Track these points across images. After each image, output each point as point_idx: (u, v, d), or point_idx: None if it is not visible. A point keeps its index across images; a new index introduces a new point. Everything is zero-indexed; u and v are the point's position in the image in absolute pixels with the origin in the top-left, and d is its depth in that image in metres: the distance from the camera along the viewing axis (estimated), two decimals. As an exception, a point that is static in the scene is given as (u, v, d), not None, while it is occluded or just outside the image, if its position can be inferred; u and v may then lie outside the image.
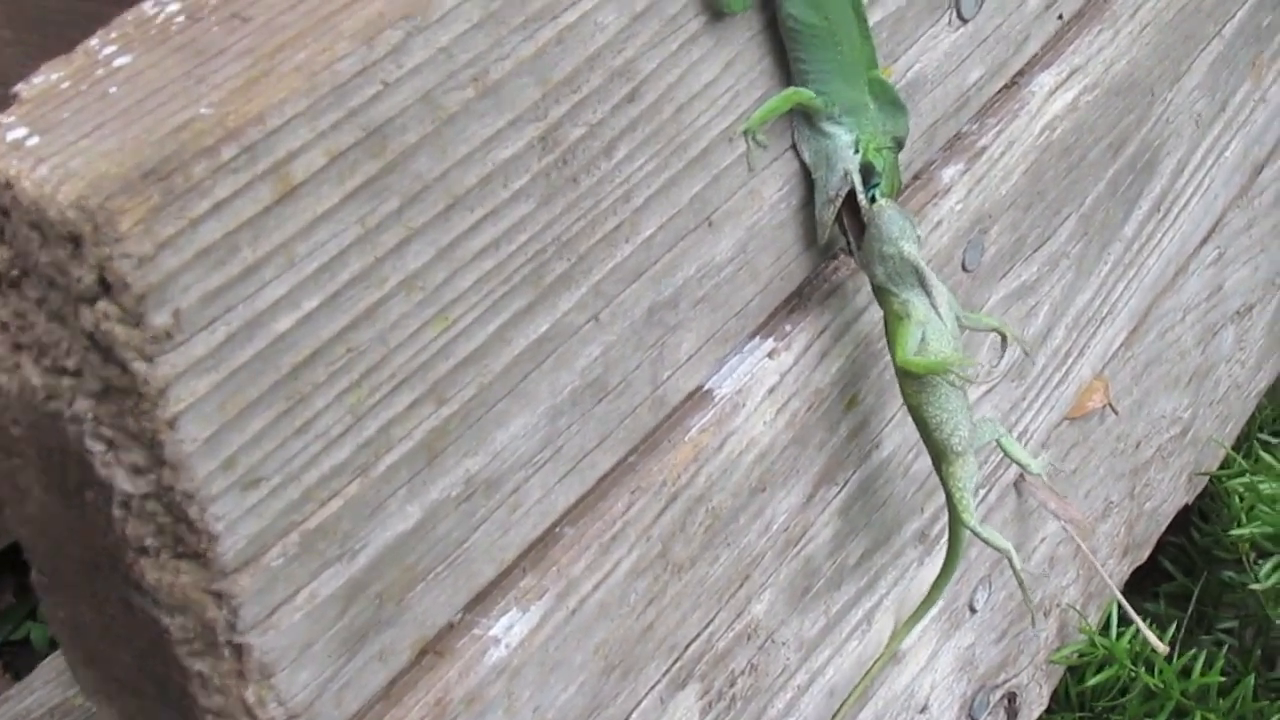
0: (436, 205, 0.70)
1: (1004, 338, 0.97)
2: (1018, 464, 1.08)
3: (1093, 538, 1.38)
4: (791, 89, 0.88)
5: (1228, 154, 1.42)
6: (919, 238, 0.93)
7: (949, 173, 1.05)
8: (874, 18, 0.92)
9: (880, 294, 0.94)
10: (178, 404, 0.61)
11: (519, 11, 0.71)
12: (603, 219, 0.79)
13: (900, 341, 0.93)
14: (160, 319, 0.60)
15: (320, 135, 0.64)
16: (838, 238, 0.94)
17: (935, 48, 0.99)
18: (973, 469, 0.99)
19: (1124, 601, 1.25)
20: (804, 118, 0.91)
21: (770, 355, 0.93)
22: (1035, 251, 1.16)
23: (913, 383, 0.95)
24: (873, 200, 0.92)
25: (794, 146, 0.91)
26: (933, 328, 0.93)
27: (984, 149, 1.07)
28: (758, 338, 0.94)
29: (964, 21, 1.01)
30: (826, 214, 0.93)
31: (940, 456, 0.99)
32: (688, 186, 0.84)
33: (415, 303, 0.70)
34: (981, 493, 1.20)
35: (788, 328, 0.95)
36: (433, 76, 0.68)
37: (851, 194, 0.92)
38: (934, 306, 0.93)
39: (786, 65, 0.88)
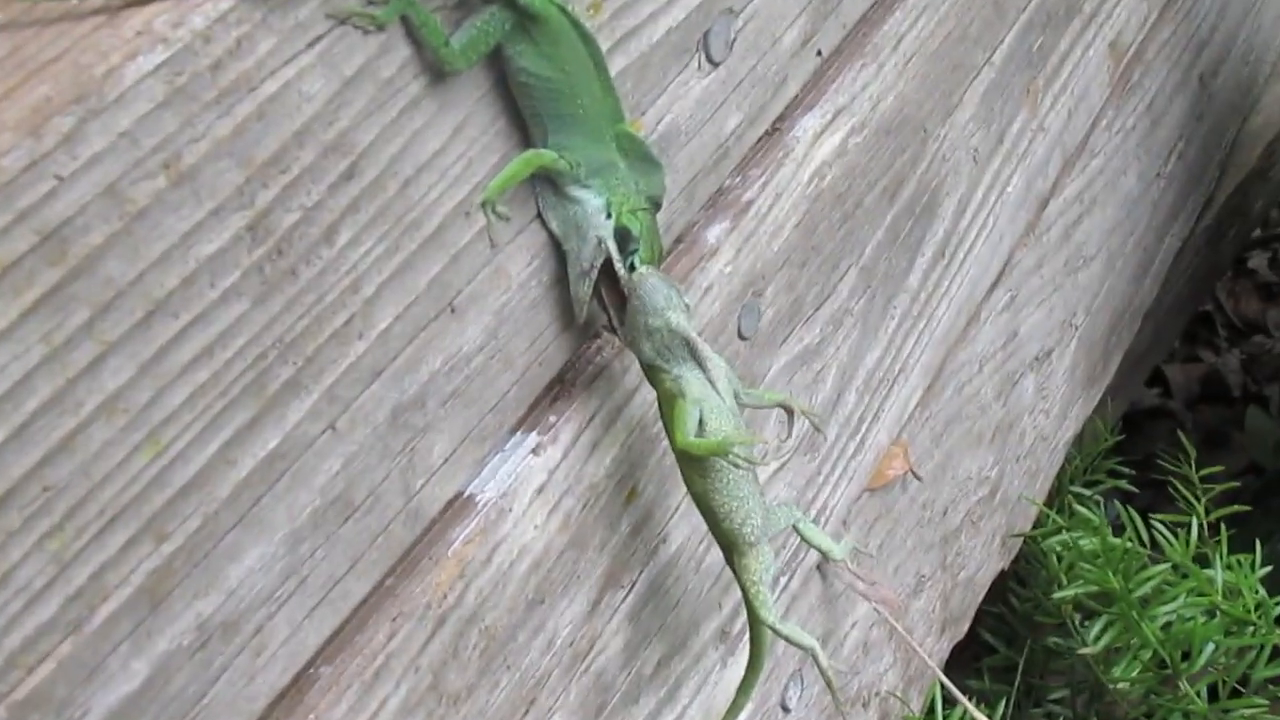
0: (133, 313, 0.66)
1: (790, 411, 0.96)
2: (819, 550, 1.08)
3: (907, 617, 1.38)
4: (531, 151, 0.86)
5: (1010, 189, 1.44)
6: (687, 306, 0.91)
7: (714, 232, 1.04)
8: (616, 66, 0.91)
9: (651, 372, 0.92)
10: None
11: (210, 86, 0.68)
12: (330, 314, 0.76)
13: (677, 423, 0.91)
14: None
15: (-13, 243, 0.60)
16: (597, 314, 0.93)
17: (686, 95, 0.98)
18: (768, 559, 0.98)
19: (946, 681, 1.25)
20: (548, 183, 0.88)
21: (535, 451, 0.91)
22: (816, 311, 1.16)
23: (695, 468, 0.93)
24: (632, 269, 0.90)
25: (540, 216, 0.89)
26: (710, 405, 0.91)
27: (750, 203, 1.06)
28: (519, 433, 0.91)
29: (714, 65, 1.00)
30: (582, 288, 0.90)
31: (732, 548, 0.97)
32: (424, 270, 0.81)
33: (119, 428, 0.66)
34: (783, 579, 1.19)
35: (552, 419, 0.93)
36: (115, 166, 0.64)
37: (608, 264, 0.89)
38: (710, 382, 0.91)
39: (523, 125, 0.86)
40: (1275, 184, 2.20)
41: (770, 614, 0.98)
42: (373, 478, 0.80)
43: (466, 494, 0.88)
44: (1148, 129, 1.75)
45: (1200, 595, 1.42)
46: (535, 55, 0.83)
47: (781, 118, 1.10)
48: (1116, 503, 1.66)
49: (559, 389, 0.94)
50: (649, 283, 0.89)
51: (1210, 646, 1.39)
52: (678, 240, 1.03)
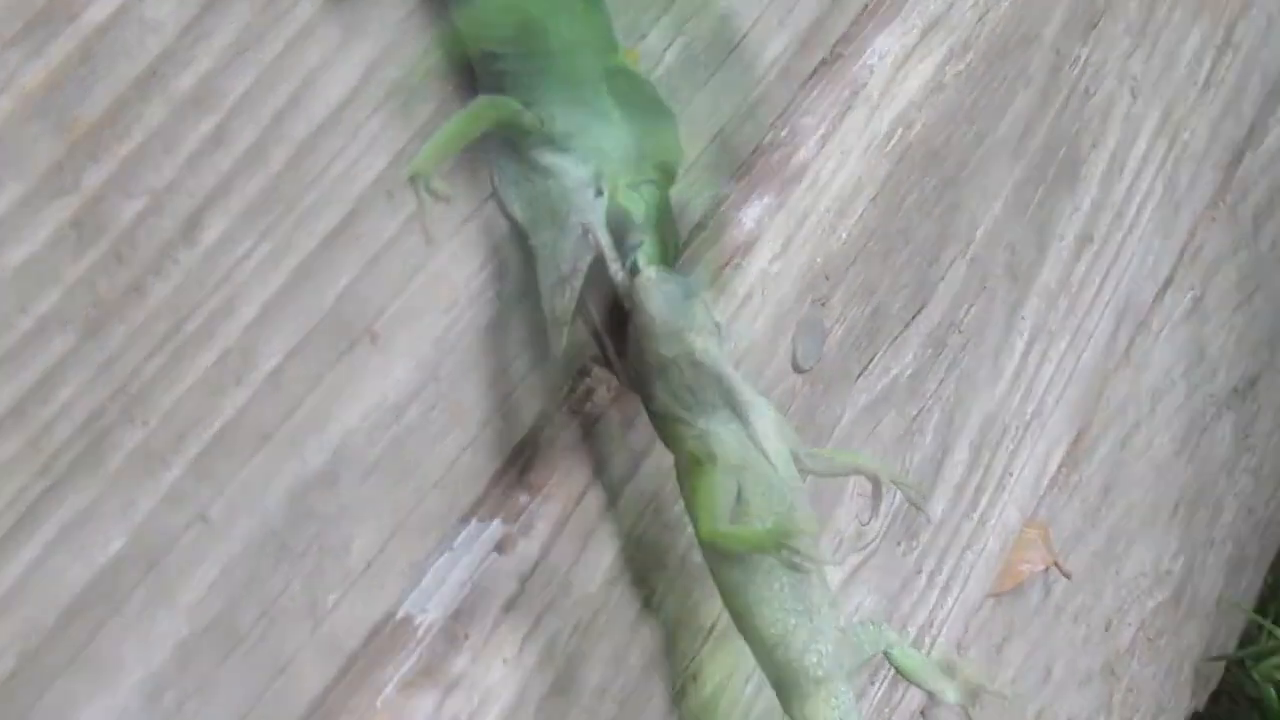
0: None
1: (875, 481, 0.96)
2: (923, 689, 1.06)
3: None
4: (483, 98, 0.84)
5: (1188, 135, 1.44)
6: (719, 326, 0.90)
7: (753, 212, 1.04)
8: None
9: (665, 426, 0.91)
10: None
11: (12, 15, 0.69)
12: (193, 349, 0.77)
13: (703, 503, 0.89)
14: None
15: None
16: (585, 342, 0.93)
17: (708, 4, 0.99)
18: (846, 704, 0.95)
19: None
20: (507, 148, 0.87)
21: (499, 548, 0.91)
22: (907, 328, 1.17)
23: (732, 570, 0.91)
24: (634, 271, 0.88)
25: (495, 195, 0.89)
26: (754, 475, 0.90)
27: (804, 166, 1.07)
28: (475, 520, 0.92)
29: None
30: (561, 302, 0.87)
31: (791, 688, 0.94)
32: (328, 279, 0.82)
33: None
34: (868, 735, 1.20)
35: (523, 499, 0.93)
36: None
37: (599, 264, 0.87)
38: (752, 438, 0.90)
39: (468, 63, 0.86)
40: None
41: None
42: (264, 592, 0.81)
43: (401, 615, 0.89)
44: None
45: None
46: None
47: (847, 37, 1.11)
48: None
49: (532, 454, 0.94)
50: (662, 291, 0.87)
51: None
52: (699, 225, 1.04)
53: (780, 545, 0.88)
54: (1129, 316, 1.41)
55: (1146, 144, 1.39)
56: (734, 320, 1.02)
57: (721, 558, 0.91)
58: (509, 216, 0.89)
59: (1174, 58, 1.41)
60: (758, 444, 0.90)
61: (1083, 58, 1.30)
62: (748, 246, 1.04)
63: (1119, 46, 1.34)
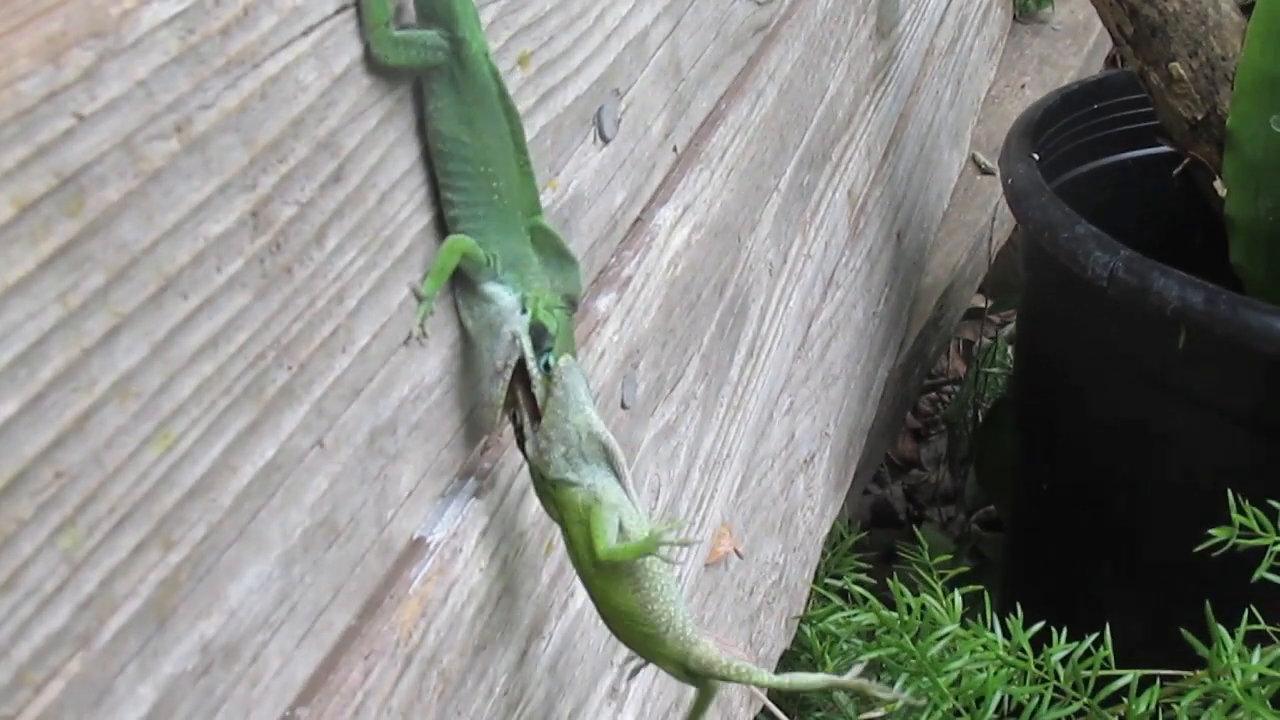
0: (147, 286, 0.48)
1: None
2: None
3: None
4: (453, 238, 0.67)
5: (791, 304, 1.32)
6: (595, 398, 0.73)
7: (604, 302, 0.89)
8: (538, 123, 0.76)
9: (555, 489, 0.71)
10: None
11: (219, 51, 0.51)
12: (319, 322, 0.58)
13: (596, 533, 0.71)
14: None
15: (4, 175, 0.42)
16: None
17: (587, 165, 0.84)
18: (712, 643, 0.76)
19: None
20: (464, 280, 0.70)
21: (477, 495, 0.74)
22: (672, 390, 1.02)
23: (623, 583, 0.72)
24: (546, 368, 0.70)
25: (456, 311, 0.71)
26: (627, 511, 0.71)
27: (629, 279, 0.92)
28: (464, 476, 0.74)
29: (605, 141, 0.86)
30: (496, 390, 0.70)
31: (681, 655, 0.75)
32: (395, 290, 0.64)
33: (131, 414, 0.48)
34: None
35: (486, 466, 0.76)
36: (132, 117, 0.47)
37: (520, 366, 0.70)
38: (624, 487, 0.72)
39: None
40: (944, 334, 2.15)
41: (777, 679, 0.77)
42: (353, 502, 0.62)
43: (419, 535, 0.70)
44: (869, 271, 1.67)
45: (983, 651, 1.31)
46: (455, 118, 0.65)
47: (649, 204, 0.96)
48: (892, 581, 1.54)
49: (488, 443, 0.77)
50: (574, 374, 0.70)
51: (998, 696, 1.27)
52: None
53: (658, 543, 0.71)
54: (766, 406, 1.28)
55: (775, 303, 1.27)
56: (595, 368, 0.87)
57: (612, 581, 0.72)
58: (462, 326, 0.72)
59: (787, 255, 1.29)
60: (628, 490, 0.72)
61: (750, 245, 1.18)
62: (602, 322, 0.88)
63: (765, 243, 1.21)
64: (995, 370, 2.32)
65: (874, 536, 2.56)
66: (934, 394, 2.69)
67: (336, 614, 0.62)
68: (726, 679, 0.76)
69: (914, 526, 2.53)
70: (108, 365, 0.47)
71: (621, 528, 0.71)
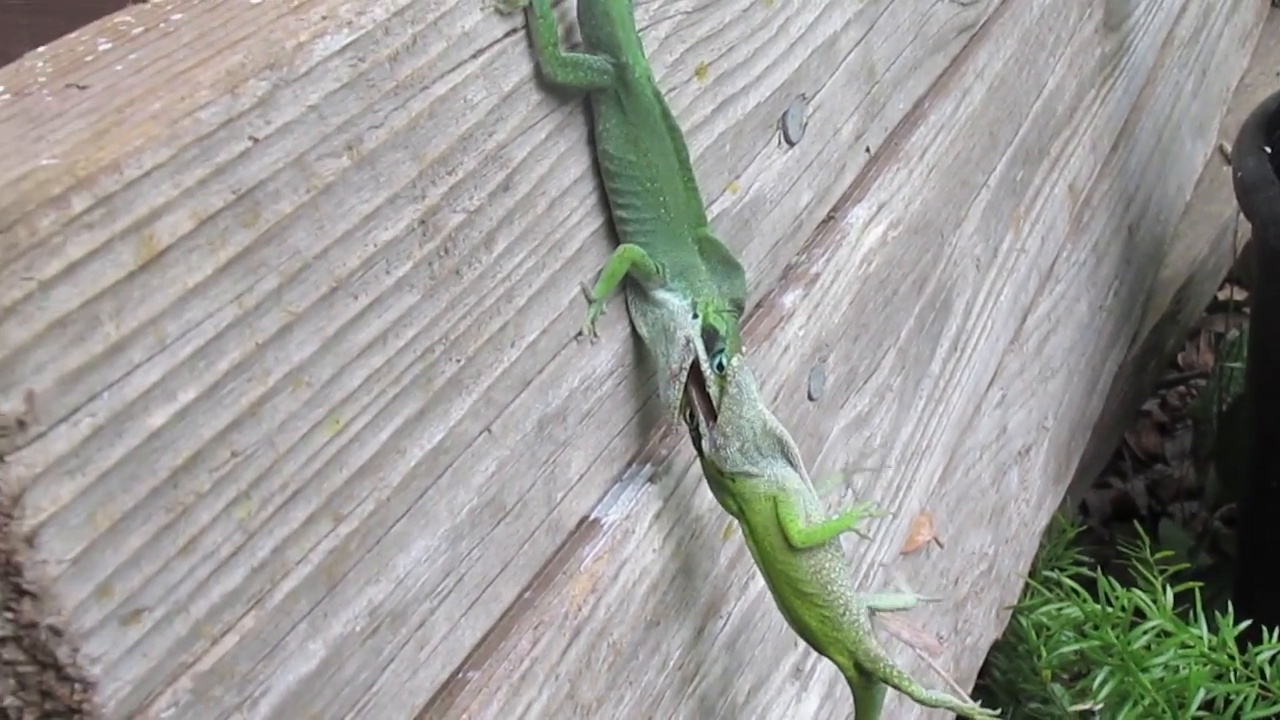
0: (319, 288, 0.54)
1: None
2: (895, 609, 0.88)
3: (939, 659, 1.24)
4: (624, 247, 0.71)
5: (1002, 298, 1.33)
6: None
7: (789, 298, 0.92)
8: (716, 129, 0.80)
9: (735, 483, 0.74)
10: (38, 514, 0.43)
11: (389, 76, 0.56)
12: (488, 318, 0.63)
13: (788, 519, 0.73)
14: (9, 404, 0.42)
15: (185, 193, 0.48)
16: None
17: (770, 168, 0.87)
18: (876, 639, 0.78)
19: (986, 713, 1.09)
20: (636, 287, 0.74)
21: (652, 480, 0.78)
22: (865, 383, 1.04)
23: (803, 565, 0.74)
24: (720, 368, 0.73)
25: (629, 317, 0.75)
26: (808, 496, 0.74)
27: (817, 276, 0.94)
28: (639, 460, 0.78)
29: (790, 144, 0.89)
30: (672, 392, 0.73)
31: (852, 641, 0.77)
32: (565, 289, 0.69)
33: (303, 401, 0.53)
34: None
35: (663, 453, 0.80)
36: (304, 139, 0.52)
37: (695, 369, 0.73)
38: (801, 476, 0.74)
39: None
40: (1183, 327, 2.10)
41: (924, 691, 0.79)
42: (521, 484, 0.67)
43: (596, 513, 0.75)
44: (1094, 265, 1.65)
45: (1187, 648, 1.29)
46: (622, 137, 0.69)
47: (839, 203, 0.99)
48: (1101, 576, 1.53)
49: (665, 430, 0.81)
50: (745, 372, 0.73)
51: (1201, 693, 1.26)
52: (758, 305, 0.91)
53: (853, 522, 0.74)
54: (973, 399, 1.28)
55: (983, 298, 1.28)
56: (778, 361, 0.90)
57: (795, 563, 0.75)
58: (636, 332, 0.75)
59: (997, 251, 1.30)
60: (804, 478, 0.75)
61: (954, 241, 1.19)
62: (787, 318, 0.91)
63: (972, 239, 1.22)
64: (1238, 365, 2.25)
65: (1111, 530, 2.52)
66: (1183, 387, 2.62)
67: (505, 586, 0.67)
68: (885, 680, 0.78)
69: (1134, 522, 2.49)
70: (281, 358, 0.52)
71: (806, 512, 0.74)
